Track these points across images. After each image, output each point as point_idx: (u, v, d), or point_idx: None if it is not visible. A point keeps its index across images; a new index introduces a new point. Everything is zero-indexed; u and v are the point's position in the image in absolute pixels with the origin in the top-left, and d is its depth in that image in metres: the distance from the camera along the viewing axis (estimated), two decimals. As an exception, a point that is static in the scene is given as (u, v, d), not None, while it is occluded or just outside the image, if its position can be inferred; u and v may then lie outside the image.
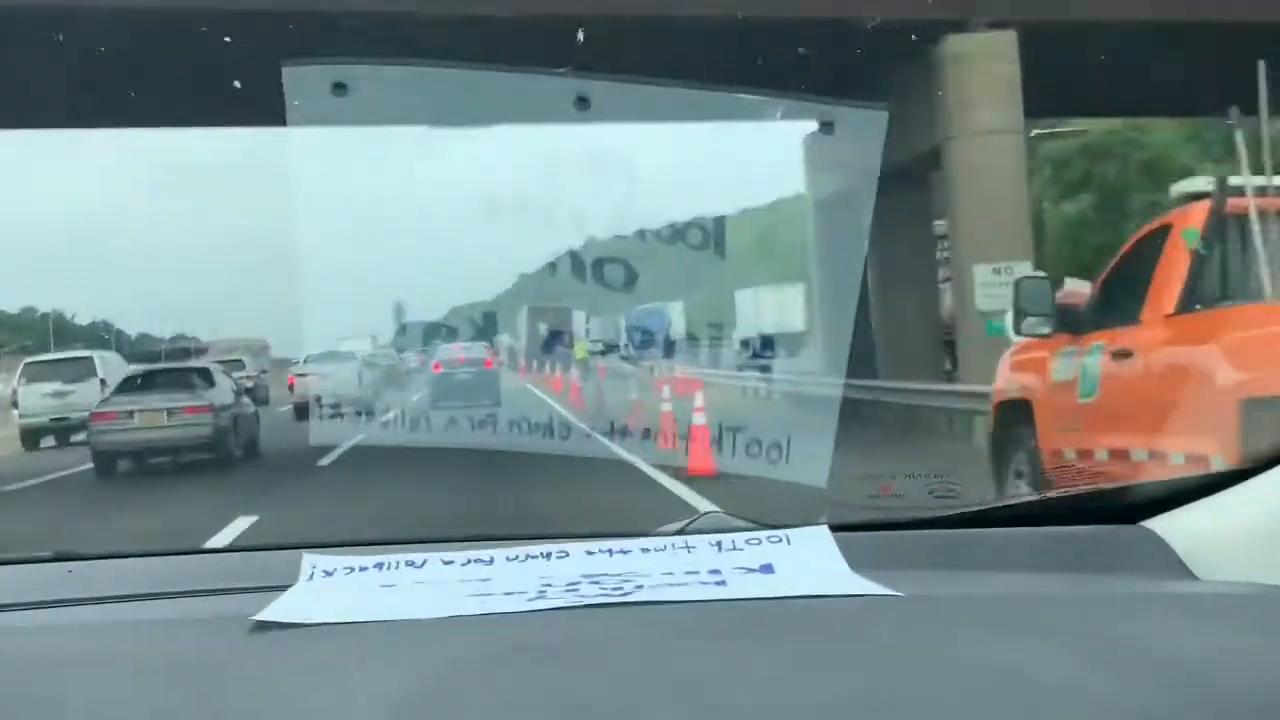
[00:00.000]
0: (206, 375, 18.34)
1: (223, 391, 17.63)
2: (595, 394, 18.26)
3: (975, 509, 2.08)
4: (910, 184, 23.29)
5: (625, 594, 1.55)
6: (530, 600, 1.54)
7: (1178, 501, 1.89)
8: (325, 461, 14.68)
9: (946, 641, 1.42)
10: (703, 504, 8.68)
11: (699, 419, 10.87)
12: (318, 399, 18.75)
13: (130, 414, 16.86)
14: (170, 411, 16.83)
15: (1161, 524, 1.86)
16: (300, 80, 2.92)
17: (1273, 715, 1.22)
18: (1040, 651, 1.36)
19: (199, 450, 16.76)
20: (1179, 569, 1.75)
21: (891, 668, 1.33)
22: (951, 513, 2.07)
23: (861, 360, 23.63)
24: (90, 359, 25.11)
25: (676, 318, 45.22)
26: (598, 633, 1.45)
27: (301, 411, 23.30)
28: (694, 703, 1.25)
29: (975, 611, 1.55)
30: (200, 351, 46.71)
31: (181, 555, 2.02)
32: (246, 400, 18.65)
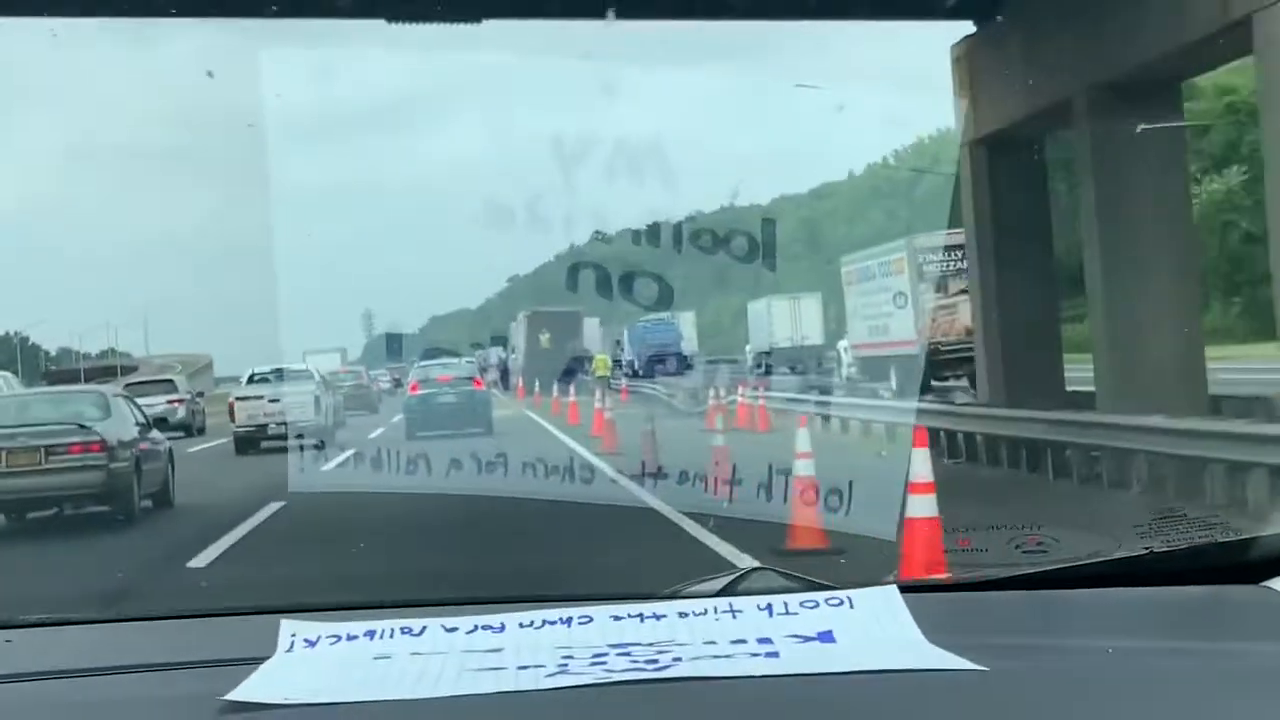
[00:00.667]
0: (100, 402, 16.57)
1: (122, 423, 16.05)
2: (642, 430, 15.26)
3: (1068, 565, 2.10)
4: (1161, 99, 18.06)
5: (660, 668, 1.57)
6: (549, 676, 1.56)
7: None
8: (199, 563, 11.20)
9: None
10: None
11: (923, 504, 7.96)
12: (287, 429, 17.78)
13: None
14: (49, 450, 15.12)
15: None
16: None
17: None
18: None
19: (88, 501, 15.26)
20: None
21: None
22: (1041, 570, 2.09)
23: (1043, 382, 19.86)
24: None
25: (688, 329, 45.04)
26: (627, 715, 1.47)
27: (244, 444, 22.94)
28: None
29: (1071, 688, 1.57)
30: (129, 369, 46.71)
31: (140, 622, 2.05)
32: (157, 434, 17.22)
